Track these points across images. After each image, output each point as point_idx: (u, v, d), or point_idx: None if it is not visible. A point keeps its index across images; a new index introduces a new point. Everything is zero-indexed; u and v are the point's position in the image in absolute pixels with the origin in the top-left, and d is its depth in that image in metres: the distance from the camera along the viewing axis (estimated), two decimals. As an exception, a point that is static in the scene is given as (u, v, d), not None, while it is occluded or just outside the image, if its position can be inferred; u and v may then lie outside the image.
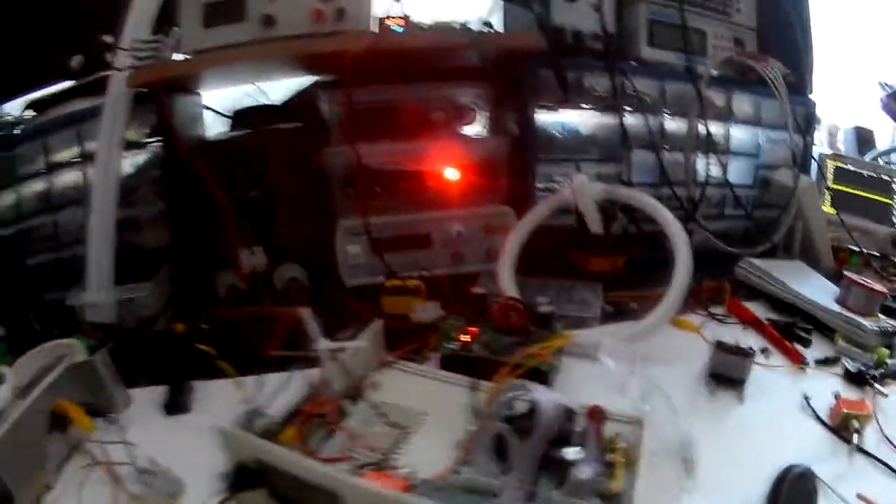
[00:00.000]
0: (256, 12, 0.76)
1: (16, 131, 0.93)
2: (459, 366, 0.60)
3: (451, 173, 0.80)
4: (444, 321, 0.68)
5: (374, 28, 0.79)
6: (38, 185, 0.90)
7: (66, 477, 0.54)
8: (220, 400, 0.62)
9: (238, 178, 0.77)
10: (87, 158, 0.85)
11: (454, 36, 0.79)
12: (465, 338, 0.64)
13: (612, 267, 0.79)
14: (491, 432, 0.48)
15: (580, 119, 0.87)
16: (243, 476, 0.44)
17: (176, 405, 0.62)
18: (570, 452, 0.45)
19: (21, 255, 0.87)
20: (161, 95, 0.80)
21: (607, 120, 0.88)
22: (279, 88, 0.97)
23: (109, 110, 0.78)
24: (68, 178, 0.88)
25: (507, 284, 0.75)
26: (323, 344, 0.55)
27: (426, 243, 0.78)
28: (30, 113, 0.98)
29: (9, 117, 0.97)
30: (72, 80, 0.94)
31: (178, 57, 0.80)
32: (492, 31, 0.81)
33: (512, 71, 0.84)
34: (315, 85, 0.88)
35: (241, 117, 0.86)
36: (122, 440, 0.55)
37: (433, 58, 0.84)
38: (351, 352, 0.56)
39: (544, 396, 0.49)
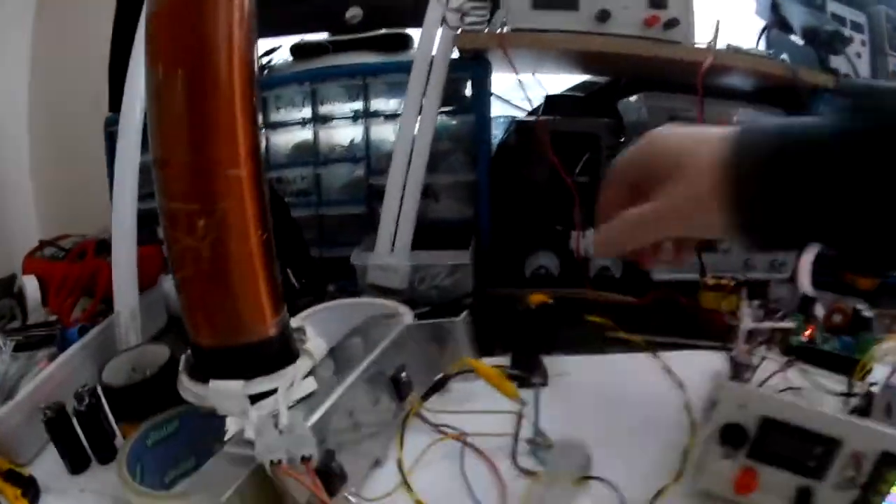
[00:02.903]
0: (593, 5, 0.79)
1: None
2: (809, 357, 0.64)
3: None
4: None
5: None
6: (296, 134, 0.90)
7: (411, 450, 0.50)
8: (574, 374, 0.62)
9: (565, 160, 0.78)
10: (368, 115, 0.87)
11: (769, 64, 0.86)
12: (808, 334, 0.74)
13: (871, 286, 0.92)
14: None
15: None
16: (733, 435, 0.43)
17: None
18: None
19: (283, 205, 0.85)
20: (488, 63, 0.82)
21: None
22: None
23: (421, 68, 0.78)
24: (339, 132, 0.89)
25: (808, 289, 0.78)
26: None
27: (727, 249, 0.83)
28: (282, 58, 0.98)
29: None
30: (342, 32, 0.95)
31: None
32: (795, 65, 0.88)
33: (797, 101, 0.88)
34: (615, 85, 0.93)
35: (554, 103, 0.87)
36: (520, 410, 0.49)
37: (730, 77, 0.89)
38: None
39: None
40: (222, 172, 0.41)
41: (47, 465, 0.54)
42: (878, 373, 0.57)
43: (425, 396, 0.52)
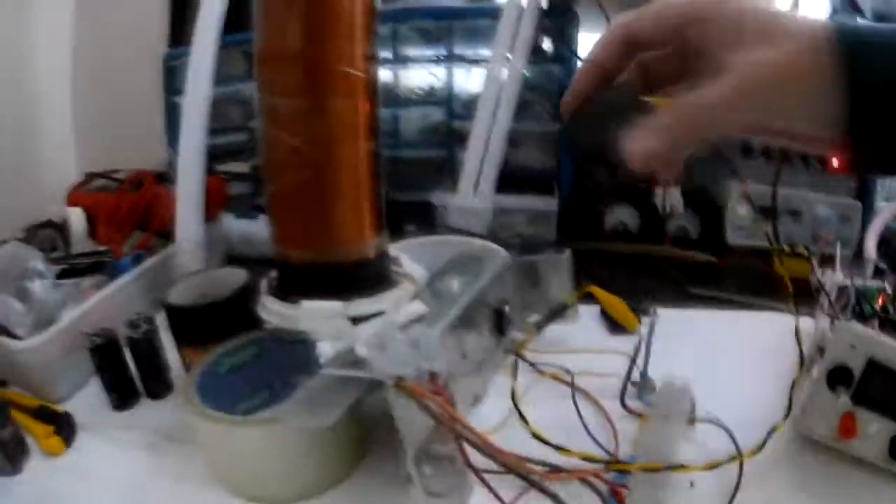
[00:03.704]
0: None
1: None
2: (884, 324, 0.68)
3: (826, 160, 0.81)
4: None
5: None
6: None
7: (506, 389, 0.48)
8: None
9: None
10: (452, 59, 0.85)
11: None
12: (881, 303, 0.74)
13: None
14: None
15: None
16: (840, 377, 0.43)
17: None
18: None
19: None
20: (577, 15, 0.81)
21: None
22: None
23: (511, 16, 0.78)
24: (418, 75, 0.87)
25: (873, 255, 0.77)
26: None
27: (797, 219, 0.86)
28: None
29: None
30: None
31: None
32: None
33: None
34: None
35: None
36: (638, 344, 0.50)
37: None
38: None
39: None
40: (338, 68, 0.38)
41: (86, 402, 0.50)
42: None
43: (541, 326, 0.52)
